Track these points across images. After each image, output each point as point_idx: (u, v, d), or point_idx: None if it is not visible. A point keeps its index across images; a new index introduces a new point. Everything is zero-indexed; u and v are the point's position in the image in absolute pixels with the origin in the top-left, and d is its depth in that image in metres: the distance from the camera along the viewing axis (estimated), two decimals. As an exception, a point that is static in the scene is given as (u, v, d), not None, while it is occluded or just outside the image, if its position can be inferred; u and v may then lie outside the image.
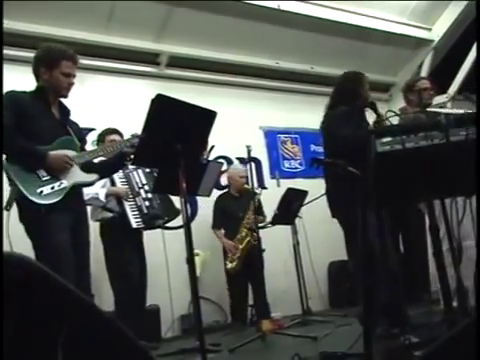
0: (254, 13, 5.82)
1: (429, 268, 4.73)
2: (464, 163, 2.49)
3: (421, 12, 6.77)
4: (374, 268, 3.24)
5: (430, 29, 7.03)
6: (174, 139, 2.77)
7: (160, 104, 2.70)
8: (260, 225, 4.93)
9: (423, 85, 4.20)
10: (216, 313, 5.52)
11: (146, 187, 4.35)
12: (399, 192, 2.66)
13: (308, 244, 5.58)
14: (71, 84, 3.08)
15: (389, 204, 3.13)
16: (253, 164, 6.16)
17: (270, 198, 5.42)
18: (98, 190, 4.16)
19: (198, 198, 5.51)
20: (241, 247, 5.15)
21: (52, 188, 2.86)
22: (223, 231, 5.40)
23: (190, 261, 2.90)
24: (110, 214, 4.22)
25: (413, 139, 2.50)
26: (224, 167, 5.82)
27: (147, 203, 4.31)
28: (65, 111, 3.18)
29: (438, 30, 7.00)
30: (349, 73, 4.00)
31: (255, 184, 5.68)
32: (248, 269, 5.12)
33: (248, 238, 5.09)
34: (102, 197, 4.18)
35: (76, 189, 3.03)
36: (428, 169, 2.52)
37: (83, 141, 3.32)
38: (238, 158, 6.03)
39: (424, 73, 7.06)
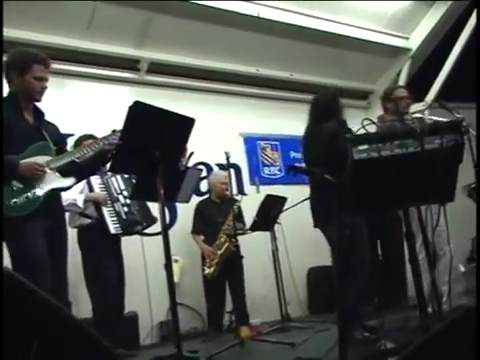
0: (234, 20, 5.84)
1: (406, 274, 4.79)
2: (438, 171, 2.53)
3: (398, 21, 6.85)
4: (350, 274, 3.28)
5: (407, 38, 7.12)
6: (152, 146, 2.77)
7: (137, 111, 2.70)
8: (239, 231, 4.94)
9: (400, 94, 4.27)
10: (194, 320, 5.50)
11: (125, 193, 4.33)
12: (375, 199, 2.69)
13: (287, 250, 5.60)
14: (44, 88, 3.04)
15: (365, 211, 3.18)
16: (233, 170, 6.19)
17: (250, 204, 5.44)
18: (76, 196, 4.13)
19: (177, 204, 5.51)
20: (219, 253, 5.14)
21: (26, 197, 2.83)
22: (202, 237, 5.40)
23: (168, 267, 2.90)
24: (88, 220, 4.20)
25: (389, 147, 2.55)
26: (204, 173, 5.83)
27: (126, 209, 4.30)
28: (39, 115, 3.12)
29: (415, 39, 7.09)
30: (329, 89, 4.10)
31: (234, 191, 5.73)
32: (226, 275, 5.12)
33: (227, 244, 5.09)
34: (80, 203, 4.15)
35: (53, 194, 3.00)
36: (403, 176, 2.56)
37: (62, 143, 3.28)
38: (218, 164, 6.04)
39: (402, 81, 7.15)
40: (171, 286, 2.86)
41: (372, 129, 3.15)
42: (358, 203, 2.65)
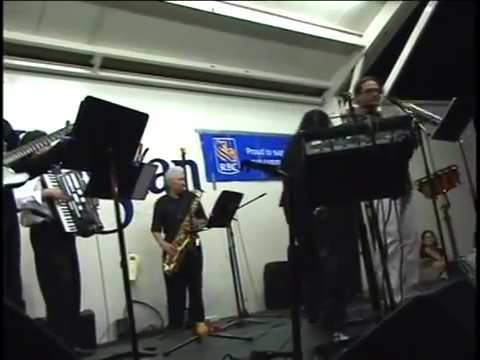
0: (189, 16, 5.81)
1: (361, 267, 4.89)
2: (390, 165, 2.59)
3: (352, 18, 6.95)
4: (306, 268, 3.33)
5: (361, 35, 7.23)
6: (105, 142, 2.73)
7: (89, 107, 2.65)
8: (199, 228, 4.95)
9: (369, 86, 4.25)
10: (152, 317, 5.46)
11: (79, 192, 4.26)
12: (329, 193, 2.74)
13: (244, 246, 5.62)
14: None
15: (319, 205, 3.23)
16: (189, 167, 6.18)
17: (206, 201, 5.44)
18: (33, 193, 4.05)
19: (134, 202, 5.46)
20: (179, 249, 5.13)
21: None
22: (163, 234, 5.37)
23: (124, 265, 2.87)
24: (41, 218, 4.11)
25: (341, 142, 2.59)
26: (160, 170, 5.79)
27: (80, 207, 4.23)
28: None
29: (369, 36, 7.21)
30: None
31: (191, 187, 5.72)
32: (186, 272, 5.11)
33: (187, 240, 5.07)
34: (39, 200, 4.06)
35: (7, 190, 2.92)
36: (356, 171, 2.61)
37: (14, 139, 3.20)
38: (174, 161, 6.01)
39: (355, 78, 7.26)
40: (127, 284, 2.83)
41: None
42: (311, 197, 2.69)
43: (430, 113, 3.97)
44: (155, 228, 5.40)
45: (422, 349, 1.50)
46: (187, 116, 6.45)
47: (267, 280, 6.41)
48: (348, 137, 2.59)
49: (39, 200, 4.06)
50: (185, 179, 4.81)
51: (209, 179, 6.49)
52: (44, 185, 4.17)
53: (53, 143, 3.03)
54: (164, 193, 5.75)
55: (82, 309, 4.43)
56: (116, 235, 2.89)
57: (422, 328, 1.51)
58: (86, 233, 4.26)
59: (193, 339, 3.97)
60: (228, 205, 5.16)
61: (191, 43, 6.13)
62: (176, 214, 5.31)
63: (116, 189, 2.80)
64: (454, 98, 3.95)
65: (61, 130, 2.99)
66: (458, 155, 4.34)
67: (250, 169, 2.10)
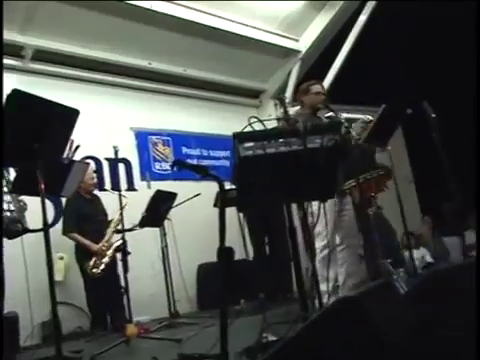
0: (126, 11, 5.71)
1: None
2: (320, 169, 2.64)
3: (289, 23, 7.05)
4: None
5: (297, 40, 7.34)
6: (32, 137, 2.63)
7: (16, 100, 2.55)
8: (127, 228, 4.84)
9: (318, 89, 4.29)
10: (80, 319, 5.30)
11: (5, 189, 4.08)
12: (261, 195, 2.75)
13: (177, 247, 5.57)
14: None
15: (251, 207, 3.25)
16: (122, 165, 6.08)
17: (140, 200, 5.33)
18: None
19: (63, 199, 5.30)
20: (109, 253, 5.00)
21: None
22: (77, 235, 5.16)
23: (49, 265, 2.78)
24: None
25: (274, 145, 2.61)
26: (93, 167, 5.64)
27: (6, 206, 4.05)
28: None
29: (305, 41, 7.34)
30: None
31: (125, 186, 5.62)
32: (112, 273, 5.00)
33: (120, 242, 4.93)
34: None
35: None
36: (287, 174, 2.64)
37: None
38: (107, 159, 5.88)
39: (292, 82, 7.38)
40: (51, 284, 2.74)
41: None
42: (244, 199, 2.70)
43: (362, 117, 4.10)
44: (72, 229, 5.06)
45: (344, 350, 1.53)
46: (122, 113, 6.34)
47: (200, 281, 6.39)
48: (280, 140, 2.62)
49: None
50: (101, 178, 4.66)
51: (143, 178, 6.40)
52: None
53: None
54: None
55: (6, 311, 4.25)
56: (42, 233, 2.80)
57: (344, 329, 1.54)
58: (10, 234, 4.07)
59: (121, 341, 3.88)
60: (162, 205, 5.10)
61: (128, 39, 6.03)
62: (98, 215, 5.19)
63: (43, 186, 2.70)
64: (383, 105, 4.08)
65: None
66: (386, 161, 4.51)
67: (182, 169, 2.08)
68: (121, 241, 4.87)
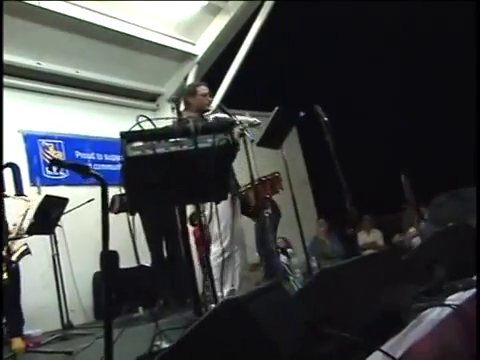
0: (13, 7, 5.37)
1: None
2: (211, 169, 2.61)
3: (186, 27, 7.03)
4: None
5: (194, 44, 7.33)
6: None
7: None
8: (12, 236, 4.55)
9: (204, 91, 4.25)
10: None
11: None
12: (152, 196, 2.68)
13: (69, 255, 5.32)
14: None
15: (141, 208, 3.16)
16: (9, 170, 5.71)
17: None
18: None
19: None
20: (14, 259, 4.67)
21: None
22: None
23: None
24: None
25: (164, 145, 2.55)
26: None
27: None
28: None
29: (202, 45, 7.34)
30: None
31: (12, 192, 5.27)
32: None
33: (24, 248, 4.63)
34: None
35: None
36: (178, 174, 2.59)
37: None
38: (-9, 163, 5.52)
39: (189, 85, 7.34)
40: None
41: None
42: (133, 201, 2.62)
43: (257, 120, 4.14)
44: None
45: (229, 353, 1.50)
46: (9, 115, 5.93)
47: (96, 289, 6.15)
48: (171, 140, 2.56)
49: None
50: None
51: (33, 183, 6.07)
52: None
53: None
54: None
55: None
56: None
57: (229, 331, 1.51)
58: None
59: (8, 356, 3.63)
60: (52, 211, 4.84)
61: (15, 37, 5.67)
62: None
63: None
64: (276, 107, 4.14)
65: None
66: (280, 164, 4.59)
67: (61, 169, 1.96)
68: (24, 248, 4.62)
